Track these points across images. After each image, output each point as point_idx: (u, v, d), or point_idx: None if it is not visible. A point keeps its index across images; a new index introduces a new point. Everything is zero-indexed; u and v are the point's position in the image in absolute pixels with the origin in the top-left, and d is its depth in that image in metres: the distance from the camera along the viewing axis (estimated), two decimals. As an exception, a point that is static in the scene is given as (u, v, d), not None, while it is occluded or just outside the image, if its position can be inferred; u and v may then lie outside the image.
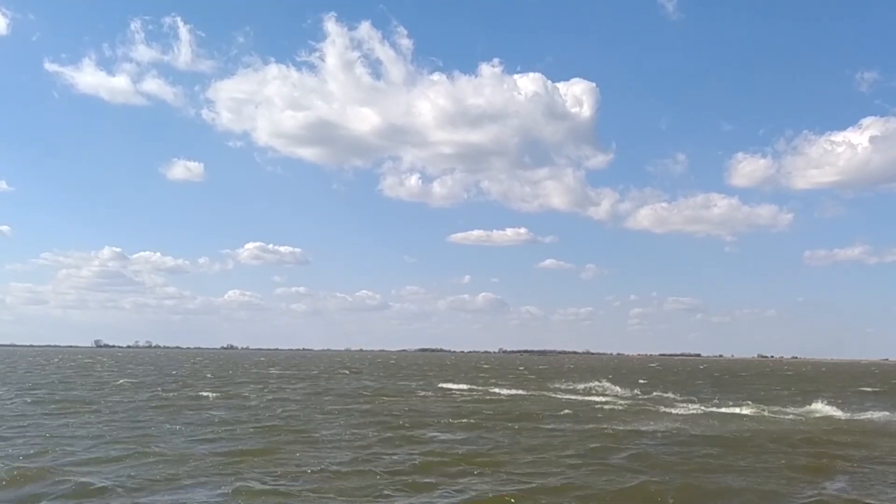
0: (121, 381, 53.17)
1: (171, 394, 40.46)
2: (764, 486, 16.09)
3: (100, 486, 14.91)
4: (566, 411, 32.02)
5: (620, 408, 34.32)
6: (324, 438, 22.18)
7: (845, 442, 23.35)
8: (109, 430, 23.60)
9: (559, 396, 42.53)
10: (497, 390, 48.32)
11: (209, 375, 67.14)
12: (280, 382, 55.37)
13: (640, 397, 42.92)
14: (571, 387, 53.35)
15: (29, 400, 34.51)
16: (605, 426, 26.21)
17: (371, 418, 28.18)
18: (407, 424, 26.10)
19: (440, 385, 54.30)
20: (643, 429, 25.60)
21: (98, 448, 19.73)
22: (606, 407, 34.69)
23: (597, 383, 54.47)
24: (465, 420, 27.46)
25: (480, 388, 51.44)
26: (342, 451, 19.79)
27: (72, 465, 17.22)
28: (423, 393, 44.82)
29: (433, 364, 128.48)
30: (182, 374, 68.18)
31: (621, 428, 25.78)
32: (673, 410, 33.17)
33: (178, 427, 24.28)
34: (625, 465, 18.39)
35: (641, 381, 64.86)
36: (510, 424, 26.32)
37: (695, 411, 32.93)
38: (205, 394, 40.20)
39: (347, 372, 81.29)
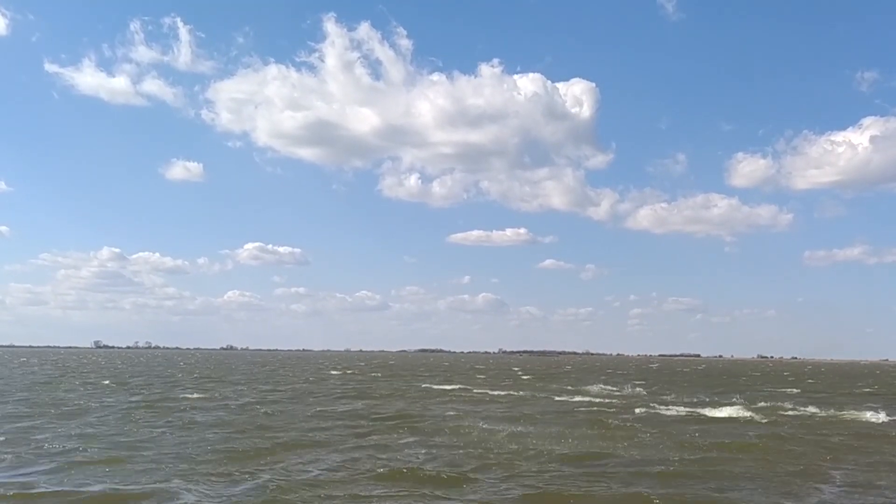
0: (106, 381, 52.31)
1: (155, 394, 39.60)
2: (758, 494, 15.42)
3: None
4: (557, 414, 31.18)
5: (615, 410, 33.46)
6: (300, 442, 21.33)
7: (844, 445, 22.62)
8: (77, 433, 22.76)
9: (552, 398, 41.63)
10: (485, 391, 47.49)
11: (196, 375, 66.31)
12: (269, 384, 54.47)
13: (635, 400, 42.02)
14: (565, 388, 52.58)
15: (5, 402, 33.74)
16: (598, 430, 25.42)
17: (355, 421, 27.39)
18: (393, 428, 25.32)
19: (433, 386, 53.47)
20: (638, 432, 24.84)
21: (62, 454, 18.90)
22: (600, 409, 33.86)
23: (592, 387, 53.69)
24: (451, 424, 26.61)
25: (473, 389, 50.56)
26: (318, 457, 19.00)
27: (23, 474, 16.37)
28: (414, 395, 43.97)
29: (427, 365, 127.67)
30: (173, 375, 67.28)
31: (614, 432, 25.03)
32: (670, 413, 32.35)
33: (155, 431, 23.44)
34: (619, 471, 17.63)
35: (638, 383, 64.05)
36: (499, 428, 25.50)
37: (692, 414, 32.12)
38: (190, 395, 39.42)
39: (337, 372, 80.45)
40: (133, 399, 36.50)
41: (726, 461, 19.15)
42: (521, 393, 46.51)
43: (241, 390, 45.20)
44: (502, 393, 46.24)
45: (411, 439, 22.45)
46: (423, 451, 20.10)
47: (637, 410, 33.22)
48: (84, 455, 18.53)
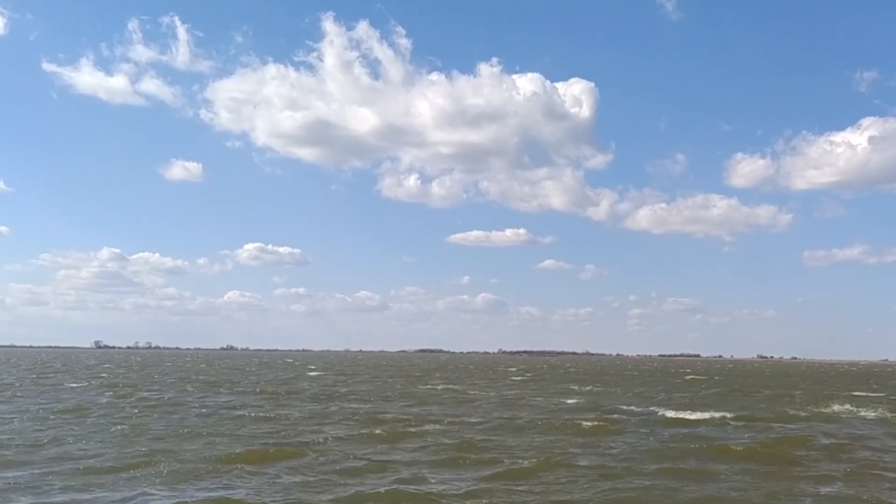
0: (73, 384, 50.40)
1: (108, 397, 37.74)
2: None
3: None
4: (535, 418, 29.25)
5: (594, 415, 31.55)
6: (225, 454, 19.37)
7: (831, 450, 20.74)
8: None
9: (538, 401, 39.70)
10: (473, 392, 45.63)
11: (178, 376, 64.47)
12: (249, 385, 52.61)
13: (616, 403, 40.06)
14: (554, 390, 50.78)
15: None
16: (568, 436, 23.73)
17: (311, 425, 25.61)
18: (351, 433, 23.55)
19: (417, 387, 51.69)
20: (613, 439, 23.11)
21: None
22: (578, 414, 31.94)
23: (580, 386, 51.78)
24: (415, 429, 24.81)
25: (461, 390, 48.71)
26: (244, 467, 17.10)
27: None
28: (394, 395, 42.11)
29: (420, 366, 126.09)
30: (150, 375, 65.45)
31: (587, 438, 23.36)
32: (656, 417, 30.45)
33: (73, 435, 21.62)
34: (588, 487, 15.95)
35: (623, 385, 62.21)
36: (471, 435, 23.68)
37: (673, 418, 30.21)
38: (144, 394, 37.57)
39: (319, 372, 78.74)
40: (96, 401, 34.59)
41: (703, 471, 17.57)
42: (508, 394, 44.74)
43: (213, 392, 43.35)
44: (480, 394, 44.42)
45: (368, 448, 20.64)
46: (379, 459, 18.51)
47: (617, 415, 31.33)
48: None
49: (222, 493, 14.67)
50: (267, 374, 75.13)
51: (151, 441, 21.04)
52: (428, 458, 18.90)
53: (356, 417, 28.29)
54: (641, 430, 25.21)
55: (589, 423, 26.55)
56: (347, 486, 15.47)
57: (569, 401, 39.32)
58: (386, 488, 15.07)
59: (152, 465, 17.09)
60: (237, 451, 19.30)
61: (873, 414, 33.19)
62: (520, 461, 18.51)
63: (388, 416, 29.26)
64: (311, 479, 16.07)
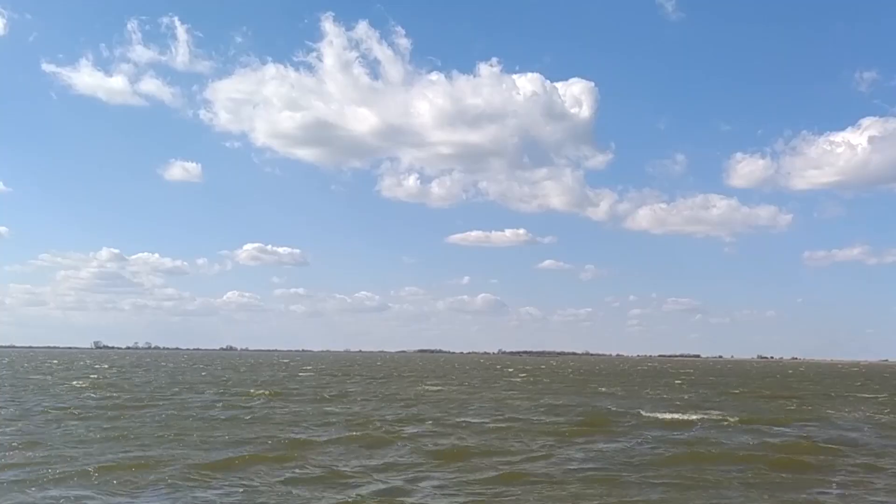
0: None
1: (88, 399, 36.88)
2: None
3: None
4: (527, 422, 28.42)
5: (594, 414, 30.70)
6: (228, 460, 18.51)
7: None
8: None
9: (528, 401, 38.87)
10: (464, 395, 44.78)
11: (161, 381, 63.67)
12: (239, 386, 51.77)
13: (617, 405, 39.23)
14: (548, 391, 49.93)
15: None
16: (577, 440, 22.84)
17: (319, 424, 24.68)
18: (343, 437, 22.67)
19: (411, 387, 50.88)
20: (621, 440, 22.31)
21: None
22: (575, 414, 31.11)
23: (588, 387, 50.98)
24: (406, 430, 23.99)
25: (451, 392, 47.88)
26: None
27: None
28: (386, 396, 41.27)
29: (417, 366, 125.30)
30: (132, 379, 64.63)
31: (589, 440, 22.52)
32: (656, 419, 29.64)
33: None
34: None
35: (623, 386, 61.39)
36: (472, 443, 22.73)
37: (682, 419, 29.43)
38: (128, 395, 36.61)
39: (313, 373, 77.97)
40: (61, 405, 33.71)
41: (702, 475, 16.75)
42: (505, 395, 43.96)
43: (199, 394, 42.49)
44: (476, 395, 43.61)
45: (355, 452, 19.85)
46: (365, 464, 17.48)
47: (615, 417, 30.45)
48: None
49: (202, 498, 13.89)
50: (261, 374, 74.28)
51: (128, 444, 20.21)
52: (418, 462, 18.22)
53: (345, 419, 27.46)
54: (639, 433, 24.47)
55: (586, 426, 25.81)
56: (333, 493, 14.69)
57: (566, 402, 38.48)
58: (373, 496, 14.30)
59: (126, 471, 16.26)
60: (217, 455, 18.48)
61: (874, 416, 32.40)
62: (513, 465, 17.81)
63: (379, 417, 28.41)
64: (294, 485, 15.28)
